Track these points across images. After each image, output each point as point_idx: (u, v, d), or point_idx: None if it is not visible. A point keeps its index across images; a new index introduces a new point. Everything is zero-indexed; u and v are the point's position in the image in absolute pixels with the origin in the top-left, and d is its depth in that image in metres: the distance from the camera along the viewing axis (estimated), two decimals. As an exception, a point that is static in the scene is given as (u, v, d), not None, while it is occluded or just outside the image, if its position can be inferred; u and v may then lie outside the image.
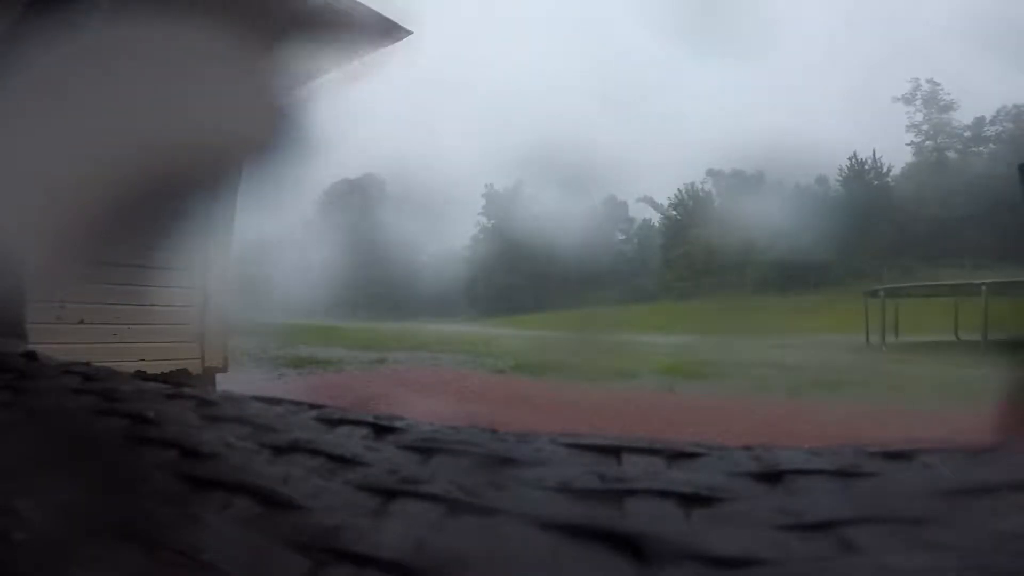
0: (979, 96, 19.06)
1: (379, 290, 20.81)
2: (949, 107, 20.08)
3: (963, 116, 19.86)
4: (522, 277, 20.33)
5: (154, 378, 0.96)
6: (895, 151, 20.25)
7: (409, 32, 5.03)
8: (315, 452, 0.59)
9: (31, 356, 1.15)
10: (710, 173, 21.47)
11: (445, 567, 0.39)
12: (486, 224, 23.70)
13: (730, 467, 0.53)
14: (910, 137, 20.29)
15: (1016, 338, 7.15)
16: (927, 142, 20.32)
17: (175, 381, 0.93)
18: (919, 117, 20.31)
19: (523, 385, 5.38)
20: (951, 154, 19.89)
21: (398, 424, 0.68)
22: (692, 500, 0.46)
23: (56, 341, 3.17)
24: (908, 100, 20.26)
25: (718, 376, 6.09)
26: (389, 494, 0.48)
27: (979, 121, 19.53)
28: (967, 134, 19.76)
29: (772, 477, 0.51)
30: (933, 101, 20.12)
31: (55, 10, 1.63)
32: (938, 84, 20.01)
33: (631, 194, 22.49)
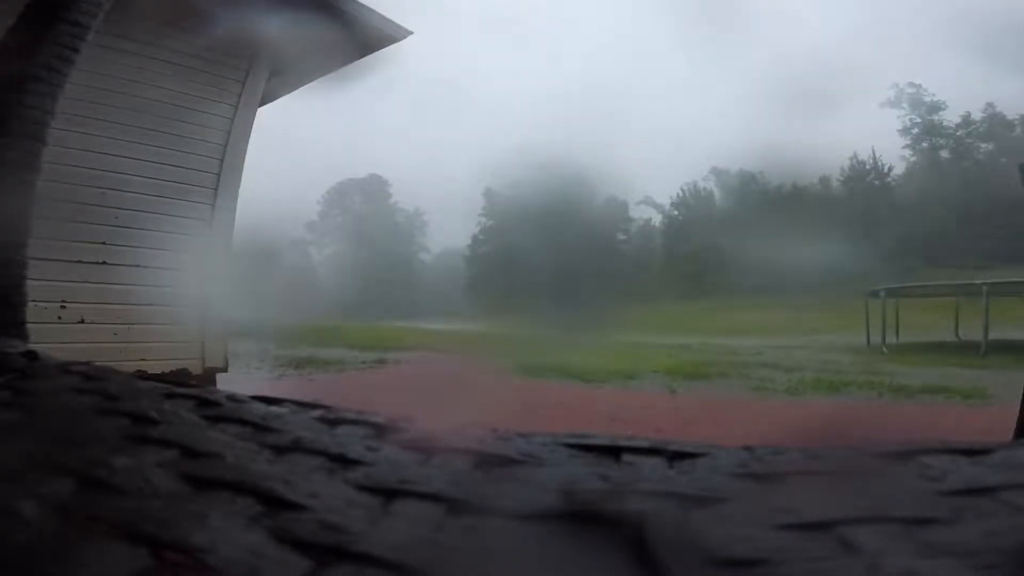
0: (966, 96, 19.14)
1: (380, 290, 20.81)
2: (937, 107, 20.17)
3: (952, 116, 19.98)
4: (522, 277, 20.33)
5: (155, 378, 0.96)
6: (894, 151, 20.29)
7: (410, 32, 5.05)
8: (316, 452, 0.59)
9: (32, 355, 1.15)
10: (712, 172, 21.50)
11: (445, 567, 0.39)
12: (486, 224, 23.68)
13: (730, 467, 0.53)
14: (905, 140, 20.37)
15: (1017, 338, 7.14)
16: (924, 144, 20.39)
17: (176, 381, 0.93)
18: (908, 121, 20.42)
19: (524, 385, 5.38)
20: (945, 153, 19.95)
21: (399, 424, 0.68)
22: (692, 500, 0.46)
23: (57, 341, 3.18)
24: (895, 104, 20.39)
25: (719, 377, 6.09)
26: (390, 493, 0.48)
27: (970, 121, 19.62)
28: (960, 132, 19.83)
29: (772, 477, 0.51)
30: (920, 103, 20.24)
31: (55, 10, 1.63)
32: (920, 87, 20.14)
33: (632, 194, 22.49)
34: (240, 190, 4.72)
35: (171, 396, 0.83)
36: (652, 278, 20.81)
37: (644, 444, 0.59)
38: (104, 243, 4.09)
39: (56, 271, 3.65)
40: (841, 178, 19.97)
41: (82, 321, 3.94)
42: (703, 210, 21.46)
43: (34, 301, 1.53)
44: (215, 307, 4.52)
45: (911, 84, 20.44)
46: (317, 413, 0.74)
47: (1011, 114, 19.09)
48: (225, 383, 4.21)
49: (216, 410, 0.76)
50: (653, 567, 0.37)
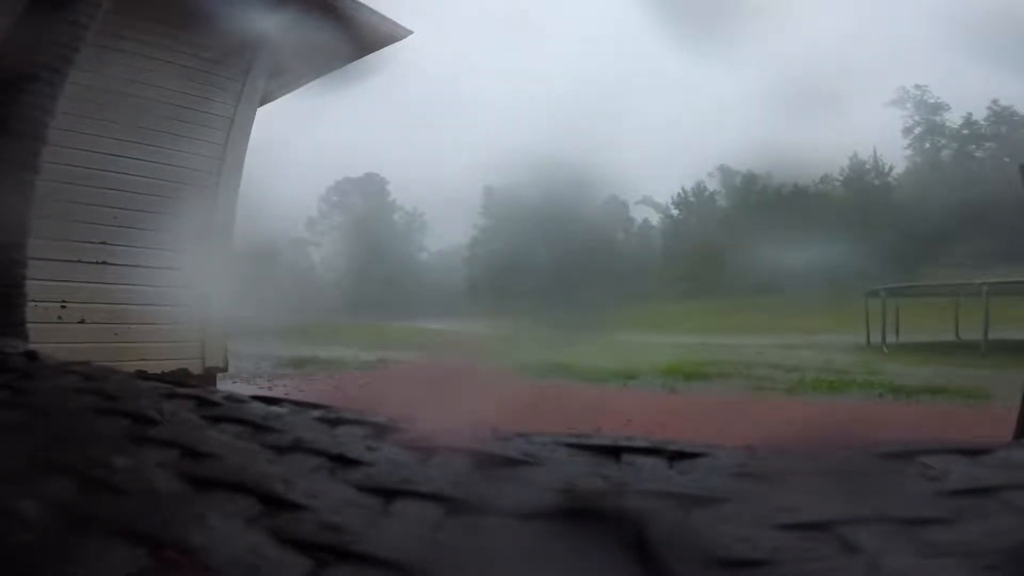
0: (968, 96, 19.12)
1: (380, 289, 20.79)
2: (940, 108, 20.14)
3: (955, 116, 19.96)
4: (522, 277, 20.30)
5: (155, 378, 0.96)
6: (896, 151, 20.28)
7: (409, 32, 5.05)
8: (316, 452, 0.59)
9: (32, 355, 1.15)
10: (717, 169, 21.49)
11: (445, 567, 0.39)
12: (485, 224, 23.66)
13: (730, 467, 0.53)
14: (907, 140, 20.35)
15: (1017, 338, 7.14)
16: (926, 144, 20.36)
17: (176, 381, 0.93)
18: (911, 121, 20.41)
19: (524, 385, 5.37)
20: (946, 153, 19.94)
21: (399, 424, 0.68)
22: (692, 500, 0.46)
23: (57, 341, 3.18)
24: (899, 104, 20.38)
25: (719, 376, 6.09)
26: (390, 494, 0.48)
27: (972, 121, 19.58)
28: (964, 132, 19.79)
29: (772, 477, 0.51)
30: (923, 103, 20.21)
31: (55, 10, 1.63)
32: (925, 87, 20.14)
33: (632, 194, 22.48)
34: (240, 190, 4.71)
35: (171, 396, 0.83)
36: (652, 278, 20.80)
37: (644, 444, 0.59)
38: (104, 243, 4.08)
39: (56, 271, 3.65)
40: (840, 177, 19.96)
41: (82, 321, 3.94)
42: (703, 210, 21.47)
43: (34, 301, 1.54)
44: (215, 307, 4.51)
45: (916, 86, 20.42)
46: (317, 413, 0.74)
47: (1013, 114, 19.10)
48: (225, 383, 4.21)
49: (216, 410, 0.76)
50: (653, 567, 0.37)
